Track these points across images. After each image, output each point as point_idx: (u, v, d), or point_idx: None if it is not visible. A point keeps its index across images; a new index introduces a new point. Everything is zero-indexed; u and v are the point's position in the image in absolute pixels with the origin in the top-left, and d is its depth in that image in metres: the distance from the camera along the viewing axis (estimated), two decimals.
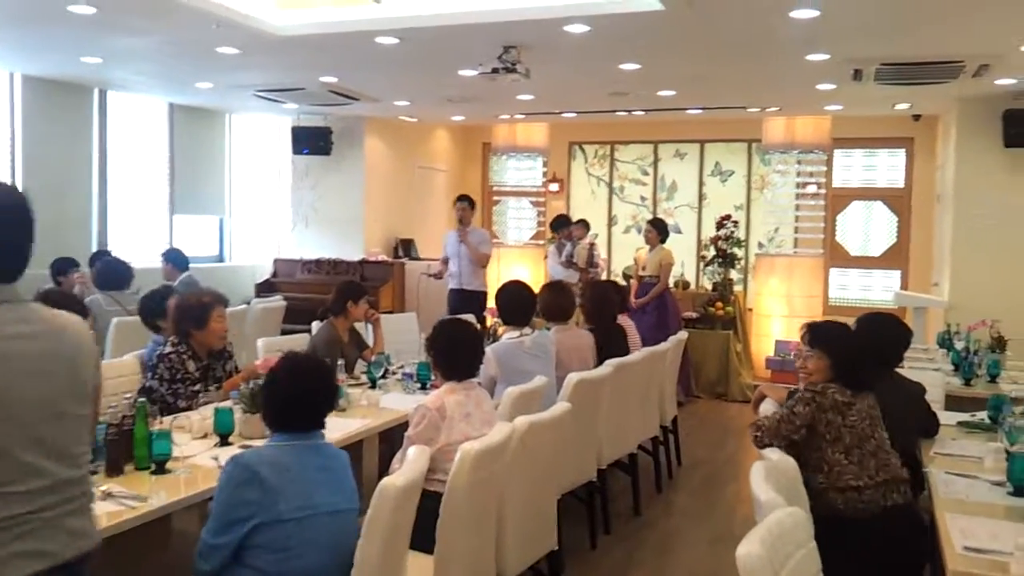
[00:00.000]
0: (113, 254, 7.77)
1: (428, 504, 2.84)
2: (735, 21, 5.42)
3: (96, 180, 8.75)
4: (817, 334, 3.43)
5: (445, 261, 8.28)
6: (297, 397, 2.65)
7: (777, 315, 9.66)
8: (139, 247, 9.01)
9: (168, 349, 4.07)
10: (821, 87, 7.53)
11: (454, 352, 3.51)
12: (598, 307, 5.70)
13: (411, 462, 2.71)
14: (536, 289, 5.57)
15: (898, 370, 3.86)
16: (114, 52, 6.80)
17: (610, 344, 5.39)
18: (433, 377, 4.46)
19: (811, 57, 6.32)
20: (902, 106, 8.75)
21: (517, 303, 4.89)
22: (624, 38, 5.88)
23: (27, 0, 5.35)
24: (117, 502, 2.73)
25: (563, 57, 6.48)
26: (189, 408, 3.92)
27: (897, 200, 10.28)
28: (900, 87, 7.27)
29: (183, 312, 4.15)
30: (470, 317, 6.82)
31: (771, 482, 2.49)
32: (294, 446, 2.61)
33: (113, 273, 6.74)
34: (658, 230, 8.41)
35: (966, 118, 7.96)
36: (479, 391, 3.53)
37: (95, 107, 8.70)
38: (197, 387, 4.02)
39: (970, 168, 7.96)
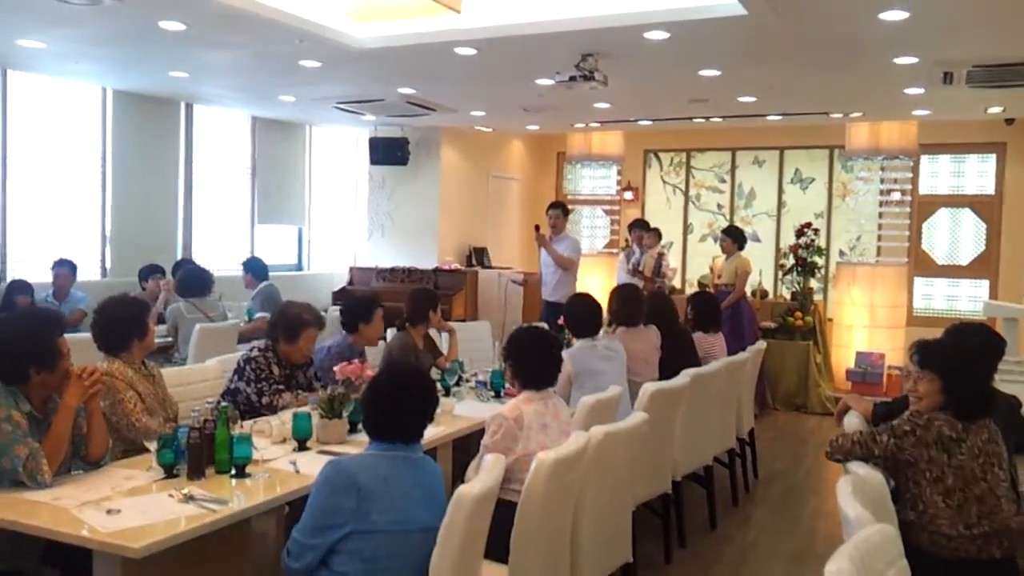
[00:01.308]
0: (195, 262, 8.01)
1: (503, 514, 2.81)
2: (820, 24, 5.29)
3: (182, 191, 9.03)
4: (928, 354, 3.09)
5: (524, 274, 8.23)
6: (398, 407, 2.65)
7: (859, 325, 9.37)
8: (221, 256, 9.26)
9: (255, 353, 4.18)
10: (909, 91, 7.30)
11: (533, 360, 3.46)
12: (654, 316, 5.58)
13: (487, 470, 2.69)
14: (606, 297, 5.55)
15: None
16: (201, 66, 7.01)
17: (673, 349, 5.34)
18: (508, 385, 4.46)
19: (899, 60, 6.12)
20: (995, 109, 8.42)
21: (584, 315, 4.88)
22: (704, 44, 5.80)
23: (120, 18, 5.54)
24: (199, 505, 2.77)
25: (641, 64, 6.43)
26: (272, 408, 4.00)
27: (986, 207, 9.91)
28: (993, 89, 6.99)
29: (279, 319, 4.25)
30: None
31: (858, 497, 2.41)
32: (393, 457, 2.61)
33: (195, 280, 6.93)
34: (733, 238, 8.26)
35: None
36: (557, 400, 3.49)
37: (182, 120, 8.98)
38: (283, 391, 4.10)
39: None
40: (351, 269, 10.75)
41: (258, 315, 7.07)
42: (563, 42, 5.76)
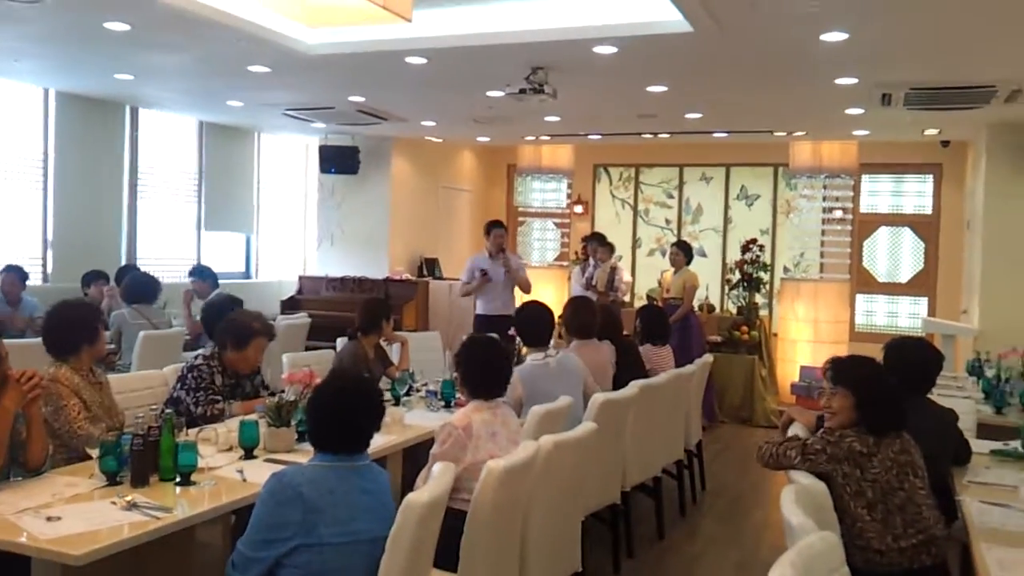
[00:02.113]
0: (138, 268, 7.86)
1: (452, 523, 2.81)
2: (765, 43, 5.42)
3: (127, 196, 8.86)
4: (841, 370, 3.16)
5: (481, 271, 7.76)
6: (343, 418, 2.61)
7: (803, 340, 9.57)
8: (167, 263, 9.10)
9: (199, 361, 4.09)
10: (849, 111, 7.50)
11: (483, 371, 3.46)
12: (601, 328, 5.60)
13: (436, 478, 2.69)
14: (557, 310, 5.55)
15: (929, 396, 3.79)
16: (147, 69, 6.90)
17: (621, 362, 5.38)
18: (459, 395, 4.45)
19: (840, 81, 6.29)
20: (931, 131, 8.70)
21: (537, 324, 4.84)
22: (652, 60, 5.89)
23: (64, 18, 5.43)
24: (142, 512, 2.72)
25: (591, 79, 6.50)
26: (208, 419, 3.88)
27: (925, 226, 10.19)
28: (930, 112, 7.22)
29: (228, 326, 4.15)
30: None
31: (802, 506, 2.45)
32: (337, 468, 2.56)
33: (140, 287, 6.81)
34: (683, 252, 8.37)
35: (996, 144, 7.89)
36: (505, 410, 3.50)
37: (127, 124, 8.81)
38: (220, 402, 4.01)
39: (1000, 194, 7.87)
40: (300, 278, 10.64)
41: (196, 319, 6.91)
42: (513, 54, 5.80)
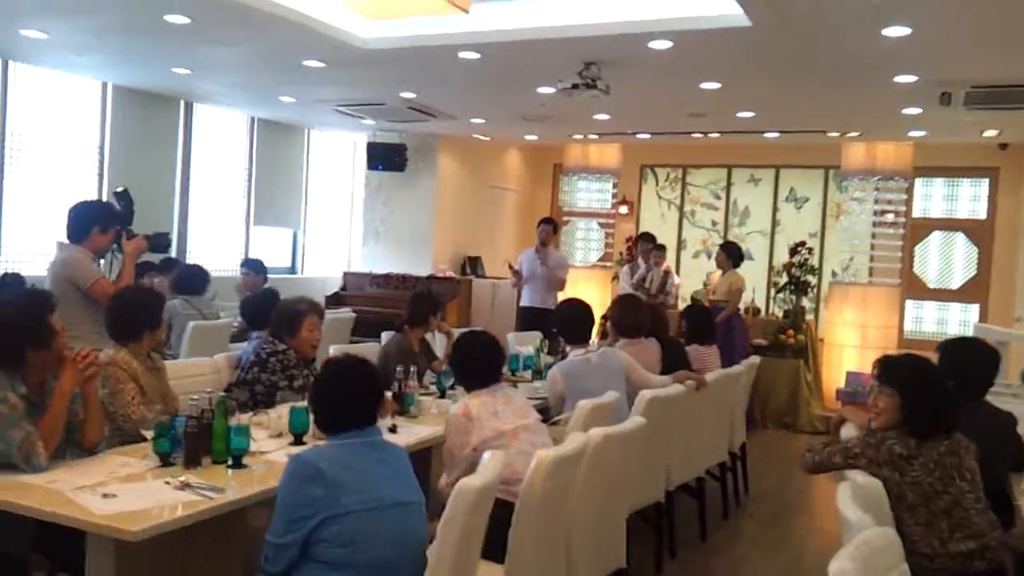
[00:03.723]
0: (180, 261, 7.98)
1: (493, 512, 2.81)
2: (825, 38, 5.34)
3: (178, 189, 9.01)
4: (888, 369, 3.10)
5: (518, 274, 8.29)
6: (346, 398, 2.66)
7: (850, 345, 9.41)
8: (215, 256, 9.23)
9: (280, 347, 4.21)
10: (906, 111, 7.37)
11: (469, 363, 3.58)
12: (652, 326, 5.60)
13: (486, 465, 2.69)
14: (599, 310, 5.53)
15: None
16: (204, 63, 7.02)
17: (668, 361, 5.35)
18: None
19: (899, 79, 6.18)
20: (990, 133, 8.50)
21: (577, 320, 4.85)
22: (707, 56, 5.85)
23: (125, 9, 5.55)
24: (196, 492, 2.76)
25: (643, 75, 6.47)
26: (305, 390, 3.98)
27: (978, 231, 9.99)
28: (990, 112, 7.07)
29: (278, 318, 4.29)
30: (537, 334, 6.86)
31: (859, 502, 2.41)
32: (352, 443, 2.61)
33: (191, 278, 6.91)
34: (728, 254, 8.28)
35: None
36: (506, 390, 3.56)
37: (181, 118, 8.97)
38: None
39: None
40: (345, 274, 10.74)
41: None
42: (567, 49, 5.80)
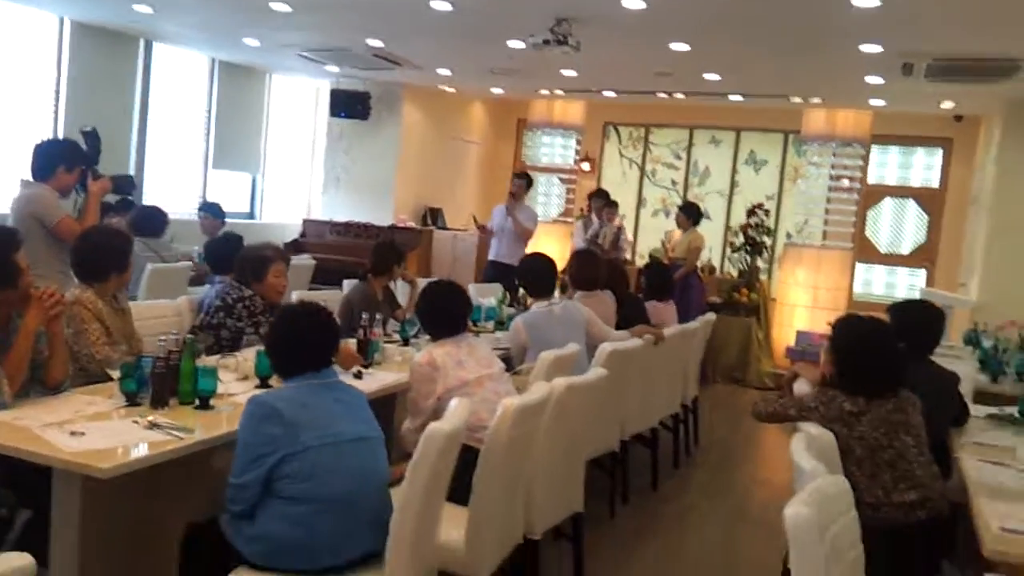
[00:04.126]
0: (142, 204, 7.85)
1: (457, 457, 2.87)
2: (795, 4, 5.39)
3: (136, 130, 8.83)
4: (834, 331, 3.24)
5: (483, 228, 8.46)
6: (300, 343, 2.71)
7: (801, 305, 9.66)
8: (172, 199, 9.09)
9: (246, 292, 4.20)
10: (869, 79, 7.48)
11: (436, 313, 3.63)
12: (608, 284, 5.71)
13: (453, 411, 2.75)
14: (560, 265, 5.61)
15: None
16: (167, 1, 6.83)
17: (627, 316, 5.47)
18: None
19: (864, 48, 6.27)
20: (947, 104, 8.67)
21: (541, 274, 4.94)
22: (680, 17, 5.87)
23: None
24: (164, 432, 2.78)
25: (614, 33, 6.47)
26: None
27: (930, 199, 10.23)
28: (949, 84, 7.21)
29: (243, 263, 4.28)
30: (498, 286, 6.94)
31: (812, 453, 2.53)
32: (309, 385, 2.66)
33: (149, 220, 6.81)
34: (687, 214, 8.42)
35: (1012, 120, 7.88)
36: (471, 340, 3.62)
37: (140, 58, 8.76)
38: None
39: (1011, 170, 7.87)
40: (305, 221, 10.65)
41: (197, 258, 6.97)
42: (540, 4, 5.78)
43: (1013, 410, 4.15)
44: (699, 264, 8.72)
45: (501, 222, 8.26)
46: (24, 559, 1.51)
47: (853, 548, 2.20)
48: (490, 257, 8.40)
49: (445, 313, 3.61)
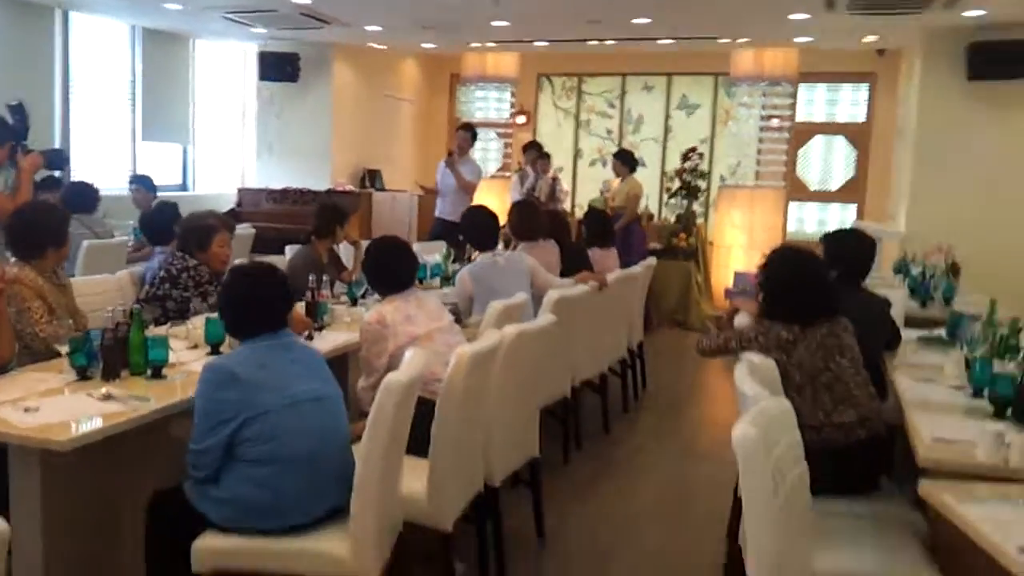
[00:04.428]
0: (70, 179, 7.66)
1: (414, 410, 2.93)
2: None
3: (59, 104, 8.56)
4: (765, 264, 3.36)
5: (430, 190, 8.43)
6: (254, 302, 2.71)
7: (737, 246, 9.89)
8: (101, 174, 8.86)
9: (191, 262, 4.16)
10: (793, 16, 7.61)
11: (381, 270, 3.62)
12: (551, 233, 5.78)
13: (409, 362, 2.80)
14: (500, 219, 5.66)
15: None
16: None
17: (571, 264, 5.55)
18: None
19: None
20: (870, 38, 8.86)
21: (483, 227, 5.00)
22: None
23: None
24: (120, 403, 2.79)
25: None
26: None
27: (858, 135, 10.48)
28: (870, 17, 7.36)
29: (186, 233, 4.23)
30: (442, 243, 6.96)
31: (755, 379, 2.64)
32: (266, 345, 2.66)
33: (80, 196, 6.66)
34: (623, 161, 8.51)
35: (931, 51, 8.08)
36: (419, 294, 3.64)
37: (57, 29, 8.46)
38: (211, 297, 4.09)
39: (933, 101, 8.09)
40: (240, 190, 10.46)
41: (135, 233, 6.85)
42: None
43: (941, 332, 4.35)
44: (639, 211, 8.84)
45: (446, 177, 8.17)
46: None
47: (797, 465, 2.32)
48: (437, 214, 8.33)
49: (391, 269, 3.61)
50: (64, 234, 3.66)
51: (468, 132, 8.26)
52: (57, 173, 7.90)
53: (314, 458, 2.60)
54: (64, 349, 3.12)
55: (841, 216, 10.56)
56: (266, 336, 2.68)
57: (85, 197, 6.66)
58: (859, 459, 3.04)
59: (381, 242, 3.78)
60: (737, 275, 9.51)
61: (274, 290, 2.76)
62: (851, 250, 3.97)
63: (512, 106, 11.34)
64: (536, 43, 9.93)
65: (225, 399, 2.53)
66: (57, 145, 8.47)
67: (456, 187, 8.04)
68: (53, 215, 3.70)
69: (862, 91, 10.44)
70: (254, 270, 2.85)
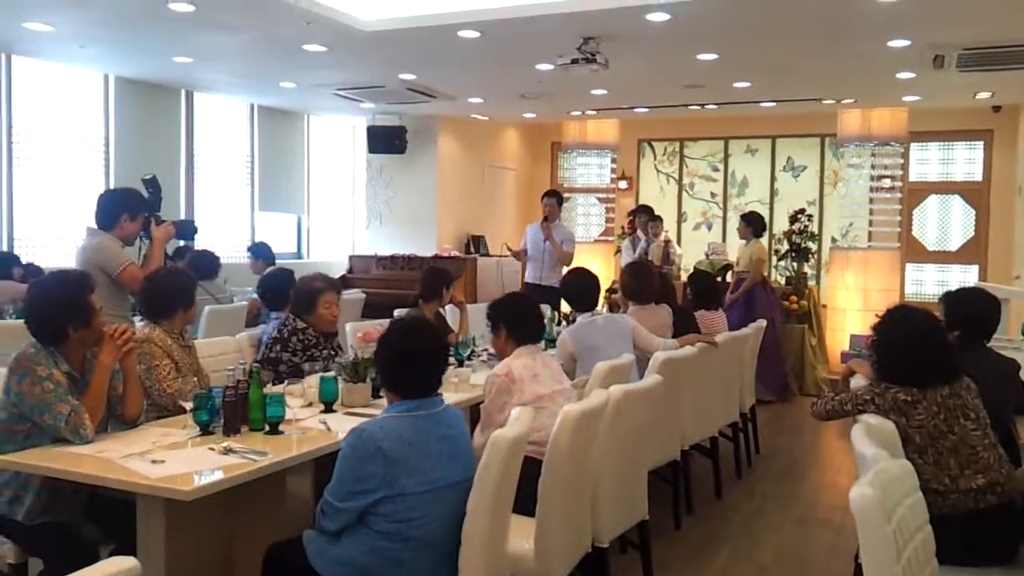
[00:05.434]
0: (194, 248, 8.07)
1: (524, 470, 2.92)
2: (819, 3, 5.43)
3: (184, 179, 9.11)
4: (878, 326, 3.22)
5: (524, 253, 8.30)
6: (414, 356, 2.70)
7: (852, 309, 9.58)
8: (223, 242, 9.33)
9: (300, 325, 4.30)
10: (900, 75, 7.47)
11: (521, 317, 3.68)
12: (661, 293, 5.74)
13: (516, 419, 2.81)
14: (603, 284, 5.67)
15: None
16: (206, 51, 7.10)
17: (679, 326, 5.49)
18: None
19: (892, 43, 6.28)
20: (983, 95, 8.60)
21: (584, 288, 5.01)
22: (704, 26, 5.93)
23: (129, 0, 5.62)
24: (240, 456, 2.88)
25: (641, 48, 6.56)
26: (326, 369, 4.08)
27: (975, 193, 10.10)
28: (982, 74, 7.16)
29: (296, 297, 4.40)
30: (547, 306, 6.98)
31: (872, 439, 2.54)
32: (415, 417, 2.63)
33: (203, 263, 7.03)
34: (748, 223, 8.39)
35: None
36: (544, 354, 3.69)
37: (183, 108, 9.06)
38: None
39: None
40: (351, 257, 10.84)
41: (252, 296, 7.14)
42: (566, 24, 5.90)
43: None
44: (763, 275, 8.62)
45: (538, 243, 8.10)
46: (130, 562, 1.58)
47: (920, 530, 2.21)
48: (528, 280, 8.24)
49: (527, 318, 3.70)
50: (192, 297, 3.86)
51: (553, 198, 8.13)
52: (182, 243, 8.38)
53: (443, 541, 2.60)
54: (189, 405, 3.27)
55: (962, 277, 10.14)
56: (417, 402, 2.66)
57: (207, 264, 7.02)
58: (991, 526, 2.86)
59: (512, 296, 3.92)
60: (854, 338, 9.19)
61: (434, 348, 2.75)
62: (972, 309, 3.78)
63: (613, 171, 11.42)
64: (636, 109, 10.02)
65: (367, 472, 2.52)
66: (182, 215, 8.98)
67: (548, 252, 7.99)
68: (183, 279, 3.92)
69: (978, 148, 10.09)
70: (417, 324, 2.87)
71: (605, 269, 10.59)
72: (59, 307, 3.11)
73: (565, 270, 8.15)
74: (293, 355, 4.24)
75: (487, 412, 3.50)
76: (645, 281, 5.38)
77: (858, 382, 3.59)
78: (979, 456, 2.94)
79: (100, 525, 3.15)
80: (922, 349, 3.08)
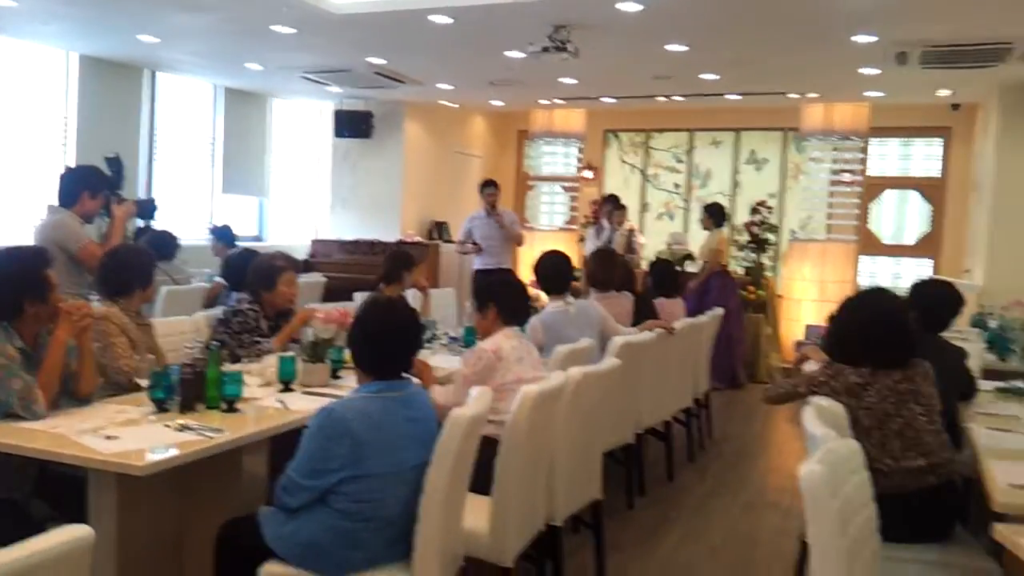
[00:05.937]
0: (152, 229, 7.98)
1: (481, 448, 2.95)
2: None
3: (145, 158, 8.99)
4: (840, 306, 3.37)
5: (472, 243, 8.39)
6: (388, 336, 2.70)
7: (808, 300, 9.75)
8: (183, 224, 9.21)
9: (245, 306, 4.26)
10: (863, 71, 7.57)
11: (512, 298, 3.72)
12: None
13: (476, 399, 2.83)
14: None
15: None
16: (172, 30, 6.99)
17: (638, 313, 5.56)
18: (478, 340, 4.61)
19: (857, 38, 6.35)
20: (943, 92, 8.75)
21: (558, 271, 5.01)
22: (676, 17, 5.97)
23: None
24: (196, 433, 2.88)
25: (612, 38, 6.57)
26: (250, 360, 4.06)
27: (933, 189, 10.29)
28: (944, 72, 7.29)
29: (254, 274, 4.34)
30: None
31: (822, 420, 2.61)
32: (383, 398, 2.63)
33: (161, 244, 6.94)
34: (710, 214, 8.52)
35: (1008, 105, 7.95)
36: (528, 341, 3.73)
37: (146, 88, 8.93)
38: (263, 343, 4.17)
39: (1010, 155, 7.94)
40: (313, 241, 10.79)
41: (216, 279, 7.08)
42: (537, 12, 5.89)
43: (1020, 383, 4.23)
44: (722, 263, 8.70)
45: (486, 230, 8.25)
46: (84, 530, 1.59)
47: (865, 507, 2.28)
48: (476, 267, 8.33)
49: (518, 299, 3.77)
50: (151, 276, 3.82)
51: (494, 187, 8.37)
52: (142, 223, 8.28)
53: (402, 520, 2.60)
54: (144, 383, 3.25)
55: (916, 271, 10.33)
56: (387, 383, 2.66)
57: (165, 245, 6.94)
58: (930, 506, 2.96)
59: (511, 275, 3.88)
60: (809, 328, 9.36)
61: (407, 329, 2.75)
62: (934, 297, 3.93)
63: (579, 161, 11.48)
64: (603, 99, 10.06)
65: (333, 452, 2.51)
66: (143, 196, 8.87)
67: (501, 238, 8.20)
68: (142, 257, 3.87)
69: (936, 145, 10.27)
70: (392, 304, 2.85)
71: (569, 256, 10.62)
72: (15, 281, 3.07)
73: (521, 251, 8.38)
74: (231, 337, 4.17)
75: (464, 378, 3.49)
76: (610, 270, 5.44)
77: (811, 367, 3.68)
78: (922, 440, 3.03)
79: (49, 502, 3.12)
80: (876, 334, 3.16)
